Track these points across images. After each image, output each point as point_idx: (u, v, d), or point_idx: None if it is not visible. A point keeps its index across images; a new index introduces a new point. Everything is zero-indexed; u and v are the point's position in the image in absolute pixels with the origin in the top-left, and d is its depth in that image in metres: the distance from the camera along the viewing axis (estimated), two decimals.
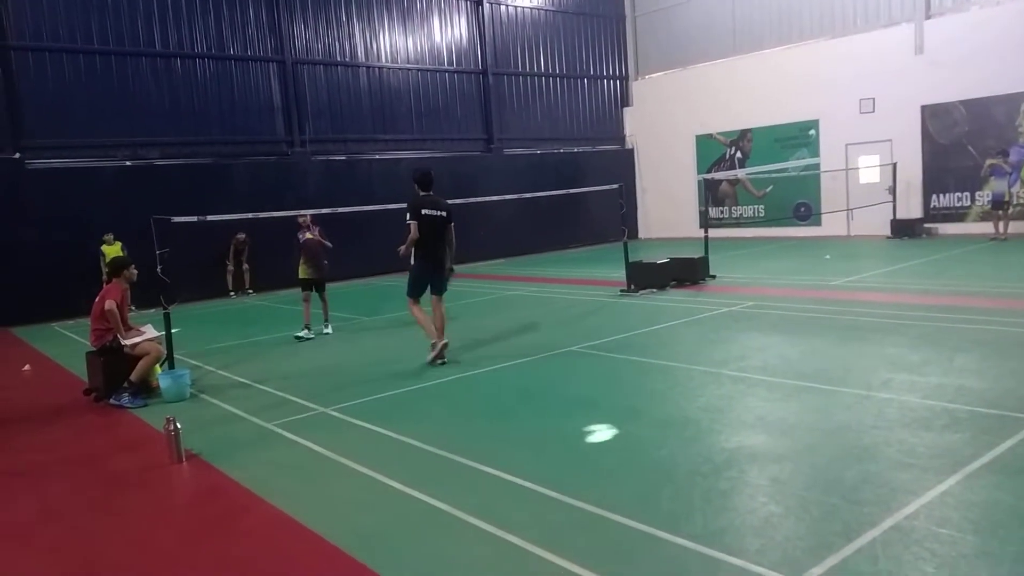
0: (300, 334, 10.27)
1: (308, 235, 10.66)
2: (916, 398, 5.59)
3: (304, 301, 10.52)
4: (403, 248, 8.08)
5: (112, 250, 13.87)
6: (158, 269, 7.79)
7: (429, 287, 8.23)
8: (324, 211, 12.38)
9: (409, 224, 7.95)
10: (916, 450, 4.55)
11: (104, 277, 13.25)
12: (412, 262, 8.19)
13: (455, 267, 8.72)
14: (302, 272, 10.59)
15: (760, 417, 5.44)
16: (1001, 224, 16.10)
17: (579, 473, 4.64)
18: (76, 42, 15.38)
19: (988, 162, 16.85)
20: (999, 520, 3.60)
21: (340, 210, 12.24)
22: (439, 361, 7.91)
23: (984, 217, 17.15)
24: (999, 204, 16.12)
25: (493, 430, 5.74)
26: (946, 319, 8.38)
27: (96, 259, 14.05)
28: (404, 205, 13.81)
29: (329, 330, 10.57)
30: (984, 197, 17.27)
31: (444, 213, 8.17)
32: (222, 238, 16.01)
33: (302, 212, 11.03)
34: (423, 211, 7.99)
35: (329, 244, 10.90)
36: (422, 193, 8.18)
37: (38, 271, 14.30)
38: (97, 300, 7.50)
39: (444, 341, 7.99)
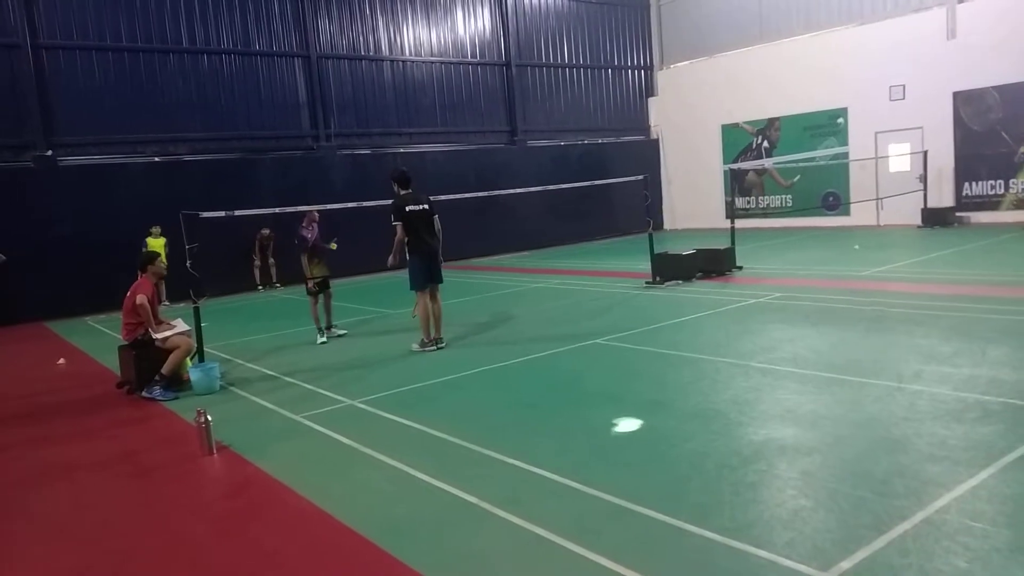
0: (323, 340, 9.79)
1: (313, 235, 9.92)
2: (947, 390, 5.51)
3: (314, 307, 9.96)
4: (391, 257, 8.43)
5: (156, 243, 14.05)
6: (188, 264, 7.89)
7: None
8: (350, 205, 12.43)
9: (395, 226, 8.30)
10: (948, 443, 4.49)
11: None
12: (408, 258, 8.43)
13: (442, 259, 8.92)
14: (317, 271, 9.90)
15: (789, 409, 5.40)
16: None
17: (606, 465, 4.64)
18: (105, 40, 15.62)
19: (1023, 149, 16.48)
20: None
21: (366, 204, 12.30)
22: (429, 348, 8.46)
23: (1018, 205, 16.80)
24: None
25: (519, 422, 5.75)
26: (978, 310, 8.24)
27: (131, 253, 14.18)
28: (429, 197, 13.86)
29: (343, 331, 10.13)
30: (1018, 185, 16.92)
31: (427, 206, 8.49)
32: (250, 233, 16.19)
33: (317, 207, 10.33)
34: (407, 208, 8.33)
35: (333, 246, 10.22)
36: (402, 192, 8.48)
37: (70, 266, 14.56)
38: (128, 294, 7.62)
39: (443, 344, 8.54)
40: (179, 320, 8.04)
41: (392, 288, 15.29)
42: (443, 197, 13.60)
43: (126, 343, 7.76)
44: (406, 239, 8.34)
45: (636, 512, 3.91)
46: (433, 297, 8.54)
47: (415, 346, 8.56)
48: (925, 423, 4.86)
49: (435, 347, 8.48)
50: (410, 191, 8.54)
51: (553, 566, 3.47)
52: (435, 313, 8.54)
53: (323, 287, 9.99)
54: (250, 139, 17.61)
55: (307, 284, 10.04)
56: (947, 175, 18.29)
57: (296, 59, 18.26)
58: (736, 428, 5.10)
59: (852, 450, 4.52)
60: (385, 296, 13.87)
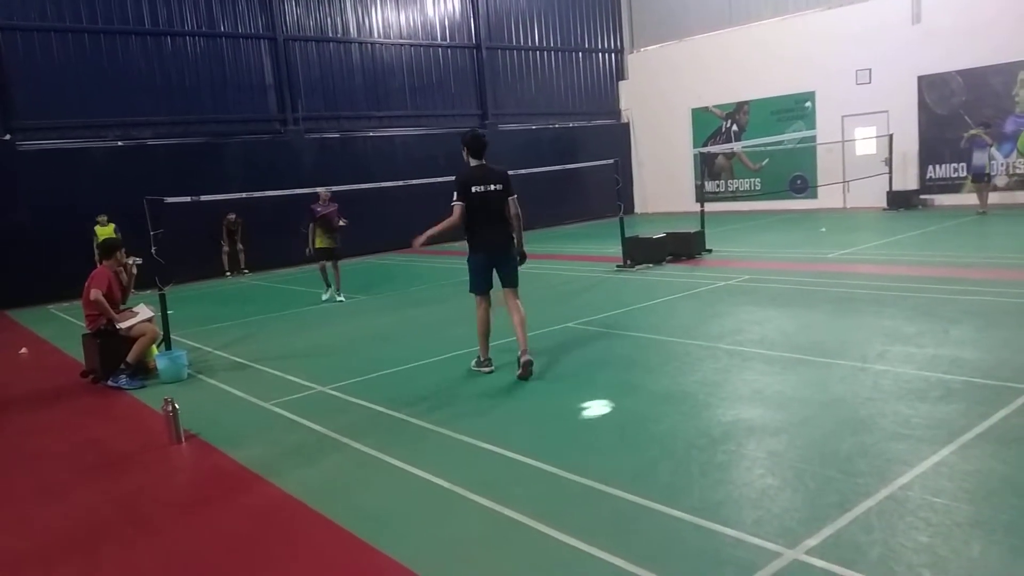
0: (326, 297, 11.56)
1: (324, 209, 11.42)
2: (911, 369, 5.62)
3: (321, 270, 11.62)
4: (421, 237, 6.49)
5: (105, 231, 13.79)
6: (152, 250, 7.76)
7: (498, 277, 6.57)
8: (319, 190, 12.35)
9: (453, 206, 6.33)
10: (911, 421, 4.58)
11: (96, 259, 13.20)
12: (469, 251, 6.61)
13: (526, 251, 6.77)
14: (319, 242, 11.39)
15: (757, 390, 5.47)
16: (983, 196, 15.79)
17: (577, 448, 4.67)
18: (64, 21, 15.21)
19: (968, 133, 16.53)
20: (993, 489, 3.64)
21: (335, 188, 12.21)
22: (520, 376, 6.31)
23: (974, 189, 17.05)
24: (980, 177, 15.86)
25: (491, 407, 5.75)
26: (941, 290, 8.40)
27: (90, 241, 13.94)
28: (400, 183, 13.79)
29: (342, 298, 11.46)
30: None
31: (499, 186, 6.41)
32: (216, 218, 15.96)
33: (328, 188, 11.84)
34: (473, 188, 6.32)
35: (342, 223, 11.60)
36: (473, 163, 6.49)
37: (32, 253, 14.25)
38: (86, 285, 7.44)
39: (527, 357, 6.33)
40: (141, 306, 7.88)
41: (363, 273, 15.20)
42: (414, 181, 13.59)
43: (90, 332, 7.62)
44: (465, 228, 6.43)
45: (607, 493, 3.94)
46: (508, 301, 6.57)
47: (473, 364, 6.78)
48: (889, 402, 4.95)
49: (489, 367, 6.63)
50: (482, 163, 6.49)
51: (526, 548, 3.49)
52: (514, 321, 6.50)
53: (329, 257, 11.49)
54: (215, 123, 17.30)
55: (308, 251, 11.56)
56: (912, 158, 18.57)
57: (262, 41, 17.95)
58: (705, 409, 5.16)
59: (818, 430, 4.60)
60: (356, 281, 13.77)
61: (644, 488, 3.95)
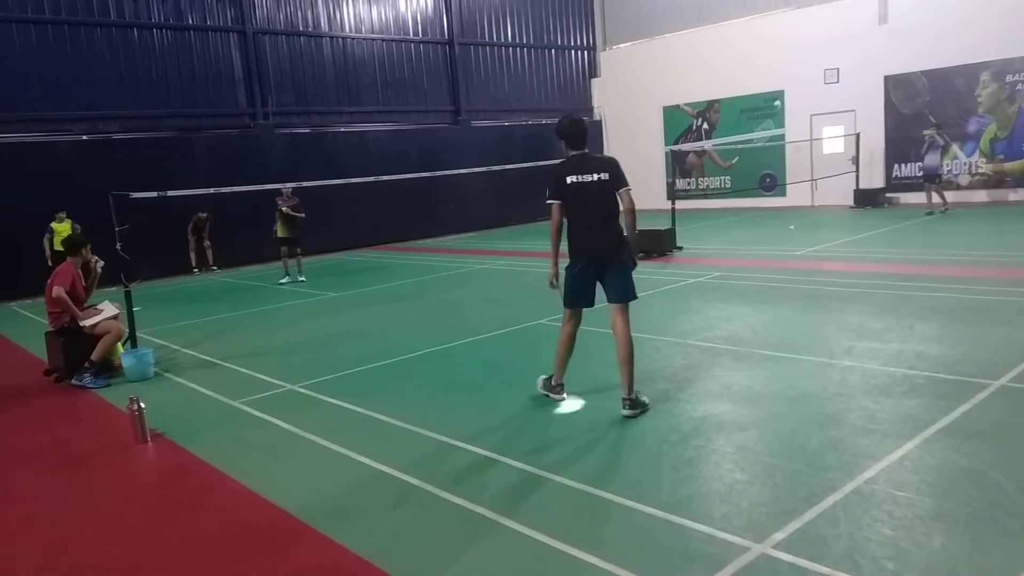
0: (282, 281, 13.13)
1: (284, 203, 12.91)
2: (877, 365, 5.71)
3: (283, 257, 13.28)
4: (550, 270, 5.51)
5: (62, 228, 13.46)
6: (118, 246, 7.62)
7: (602, 290, 5.42)
8: (289, 185, 12.26)
9: (550, 205, 5.35)
10: (877, 416, 4.65)
11: (47, 256, 12.93)
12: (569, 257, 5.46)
13: (631, 260, 5.57)
14: (281, 232, 13.05)
15: (726, 386, 5.52)
16: (935, 195, 15.95)
17: (548, 446, 4.67)
18: (27, 12, 14.84)
19: (924, 132, 16.70)
20: (955, 482, 3.71)
21: (305, 184, 12.12)
22: (627, 413, 5.07)
23: (944, 187, 17.34)
24: (932, 177, 16.02)
25: (462, 404, 5.74)
26: (907, 287, 8.55)
27: (48, 239, 13.57)
28: (372, 179, 13.73)
29: (303, 278, 13.20)
30: (944, 167, 17.40)
31: (602, 176, 5.27)
32: (184, 213, 15.72)
33: (286, 185, 13.05)
34: (568, 179, 5.26)
35: (302, 215, 13.03)
36: (571, 153, 5.40)
37: None
38: (48, 283, 7.28)
39: (631, 398, 5.11)
40: (106, 303, 7.73)
41: (332, 270, 15.09)
42: (385, 177, 13.53)
43: (53, 330, 7.46)
44: (563, 228, 5.37)
45: (577, 490, 3.95)
46: (614, 319, 5.34)
47: (539, 385, 5.69)
48: (856, 397, 5.02)
49: (562, 393, 5.56)
50: (583, 152, 5.40)
51: (496, 545, 3.48)
52: (619, 354, 5.24)
53: (289, 245, 13.13)
54: (183, 117, 17.02)
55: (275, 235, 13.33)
56: (878, 157, 18.87)
57: (231, 34, 17.68)
58: (675, 405, 5.20)
59: (787, 425, 4.65)
60: (325, 278, 13.67)
61: (614, 484, 3.97)
